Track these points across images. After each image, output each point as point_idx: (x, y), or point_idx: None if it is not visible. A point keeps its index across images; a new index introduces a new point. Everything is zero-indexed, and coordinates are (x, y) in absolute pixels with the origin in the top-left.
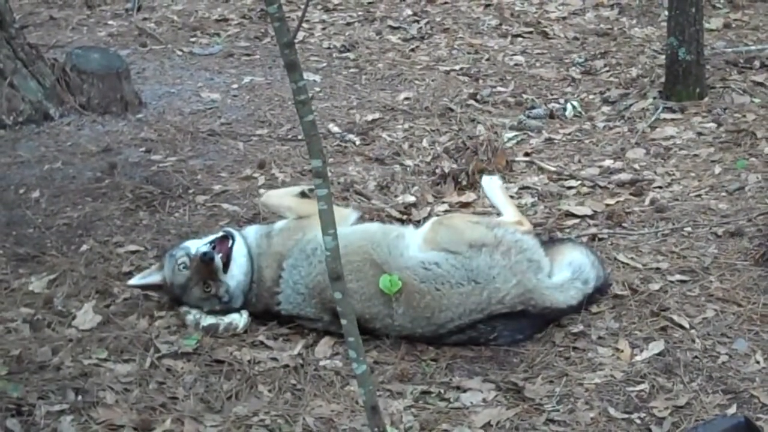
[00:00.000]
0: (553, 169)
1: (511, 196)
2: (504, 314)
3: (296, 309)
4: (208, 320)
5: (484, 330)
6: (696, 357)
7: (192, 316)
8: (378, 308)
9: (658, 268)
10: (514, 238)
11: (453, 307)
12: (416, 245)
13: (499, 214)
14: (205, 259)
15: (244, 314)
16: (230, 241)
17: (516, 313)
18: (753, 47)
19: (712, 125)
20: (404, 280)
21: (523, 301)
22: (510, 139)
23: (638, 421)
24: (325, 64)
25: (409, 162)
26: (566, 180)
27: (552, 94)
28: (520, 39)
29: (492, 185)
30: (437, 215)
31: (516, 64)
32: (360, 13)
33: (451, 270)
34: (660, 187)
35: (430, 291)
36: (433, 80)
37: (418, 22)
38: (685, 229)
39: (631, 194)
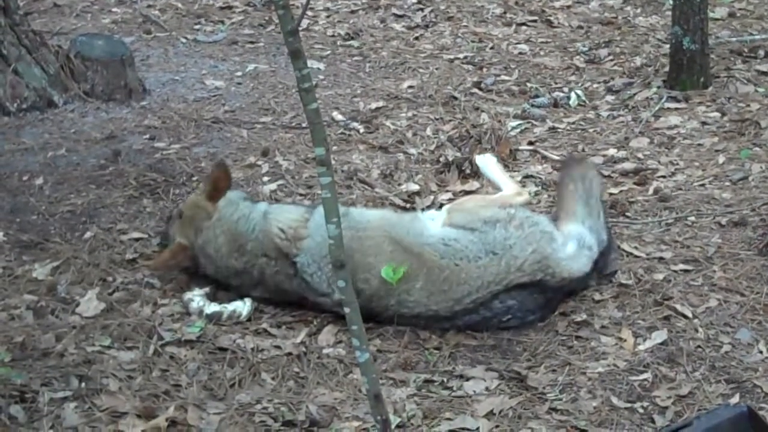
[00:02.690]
0: (556, 157)
1: None
2: (522, 287)
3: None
4: (211, 308)
5: (498, 310)
6: (699, 346)
7: (196, 303)
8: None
9: (661, 258)
10: (525, 214)
11: (471, 281)
12: (436, 227)
13: (498, 189)
14: None
15: (248, 302)
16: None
17: (533, 286)
18: (757, 36)
19: (716, 115)
20: (425, 257)
21: (542, 269)
22: (514, 128)
23: (641, 411)
24: (329, 52)
25: (412, 150)
26: None
27: (556, 83)
28: (524, 27)
29: (486, 161)
30: (442, 203)
31: (520, 53)
32: (364, 1)
33: (469, 245)
34: (664, 177)
35: (449, 266)
36: (437, 68)
37: (422, 10)
38: (688, 218)
39: (634, 183)
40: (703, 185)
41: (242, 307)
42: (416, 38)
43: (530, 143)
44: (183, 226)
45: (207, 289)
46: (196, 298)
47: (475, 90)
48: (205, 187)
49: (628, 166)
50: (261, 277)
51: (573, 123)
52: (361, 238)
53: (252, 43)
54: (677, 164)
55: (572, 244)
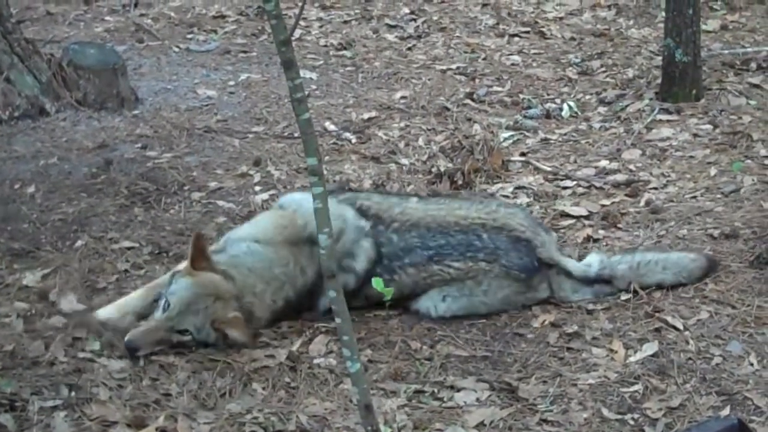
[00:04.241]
0: (548, 169)
1: (506, 196)
2: (511, 238)
3: None
4: None
5: (487, 244)
6: (690, 358)
7: None
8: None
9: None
10: None
11: (465, 203)
12: None
13: None
14: None
15: None
16: None
17: (522, 241)
18: (749, 49)
19: (708, 127)
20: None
21: (532, 230)
22: (506, 139)
23: (631, 422)
24: (321, 62)
25: (404, 161)
26: (562, 180)
27: (548, 94)
28: (517, 39)
29: None
30: None
31: (513, 64)
32: (357, 11)
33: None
34: (655, 189)
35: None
36: (429, 79)
37: (415, 20)
38: (680, 230)
39: (626, 195)
40: (694, 197)
41: None
42: (409, 49)
43: (522, 154)
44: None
45: None
46: None
47: (468, 101)
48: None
49: (620, 177)
50: None
51: (565, 134)
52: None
53: (245, 52)
54: (669, 176)
55: (573, 266)
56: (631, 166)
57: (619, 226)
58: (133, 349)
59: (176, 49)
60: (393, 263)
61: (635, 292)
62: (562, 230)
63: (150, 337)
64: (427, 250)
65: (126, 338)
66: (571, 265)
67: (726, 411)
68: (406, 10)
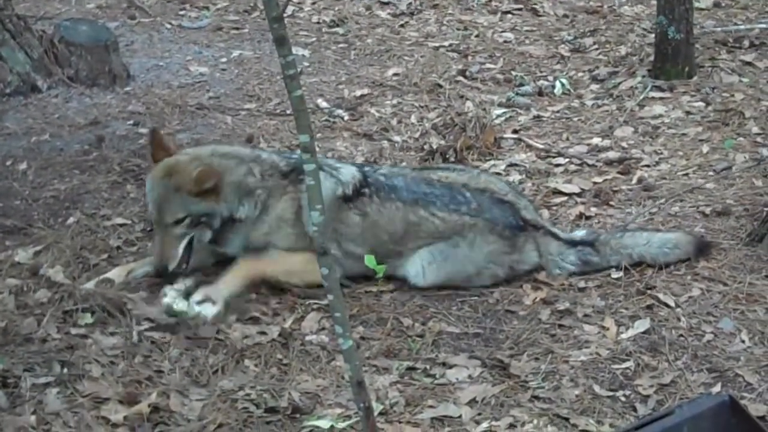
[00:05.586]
0: (541, 146)
1: (498, 173)
2: (494, 199)
3: None
4: (180, 305)
5: (470, 200)
6: (681, 336)
7: (168, 298)
8: None
9: None
10: None
11: (447, 172)
12: None
13: None
14: None
15: (219, 304)
16: None
17: (506, 203)
18: (742, 26)
19: (701, 104)
20: None
21: (514, 195)
22: (498, 116)
23: (623, 399)
24: (314, 39)
25: (397, 138)
26: (554, 157)
27: (541, 72)
28: (509, 16)
29: None
30: None
31: (505, 41)
32: None
33: None
34: (648, 166)
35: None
36: (422, 56)
37: None
38: (672, 208)
39: (618, 172)
40: (687, 175)
41: (209, 309)
42: (401, 26)
43: (515, 131)
44: None
45: (188, 283)
46: (171, 292)
47: (460, 78)
48: None
49: (612, 155)
50: None
51: (557, 112)
52: None
53: (237, 29)
54: (661, 153)
55: (559, 231)
56: (624, 144)
57: (611, 203)
58: (164, 269)
59: (168, 26)
60: (381, 193)
61: (626, 269)
62: (555, 207)
63: (164, 250)
64: (412, 193)
65: (154, 267)
66: (557, 228)
67: (717, 388)
68: None
